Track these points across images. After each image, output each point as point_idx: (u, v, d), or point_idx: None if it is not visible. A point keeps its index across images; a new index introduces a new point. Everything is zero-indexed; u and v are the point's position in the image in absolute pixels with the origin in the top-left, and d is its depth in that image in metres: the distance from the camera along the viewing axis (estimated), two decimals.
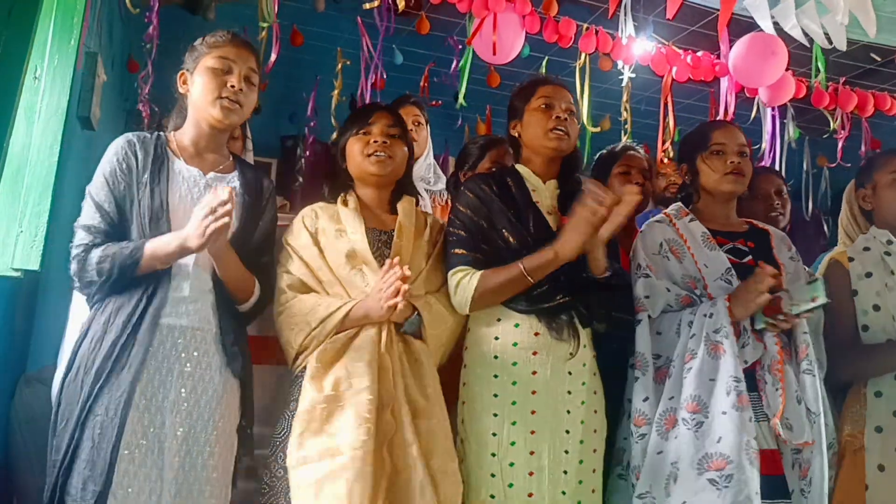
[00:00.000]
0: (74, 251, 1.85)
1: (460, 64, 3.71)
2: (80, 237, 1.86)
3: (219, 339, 1.91)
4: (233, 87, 1.95)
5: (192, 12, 4.41)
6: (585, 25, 3.70)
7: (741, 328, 2.08)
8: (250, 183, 2.04)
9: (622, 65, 3.82)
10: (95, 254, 1.82)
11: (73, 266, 1.85)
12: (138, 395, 1.78)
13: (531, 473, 1.98)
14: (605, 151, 2.89)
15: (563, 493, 2.00)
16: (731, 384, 1.97)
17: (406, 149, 2.18)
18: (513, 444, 2.00)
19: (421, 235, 2.16)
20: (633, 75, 3.87)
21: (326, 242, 2.07)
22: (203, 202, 1.78)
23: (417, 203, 2.26)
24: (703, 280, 2.16)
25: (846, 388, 2.33)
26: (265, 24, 3.36)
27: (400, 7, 3.36)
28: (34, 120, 2.20)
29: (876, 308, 2.27)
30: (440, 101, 4.26)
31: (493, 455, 1.99)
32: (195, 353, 1.87)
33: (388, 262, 1.96)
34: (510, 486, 1.97)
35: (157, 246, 1.81)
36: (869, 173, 2.46)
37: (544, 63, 4.04)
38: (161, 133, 2.02)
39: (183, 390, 1.84)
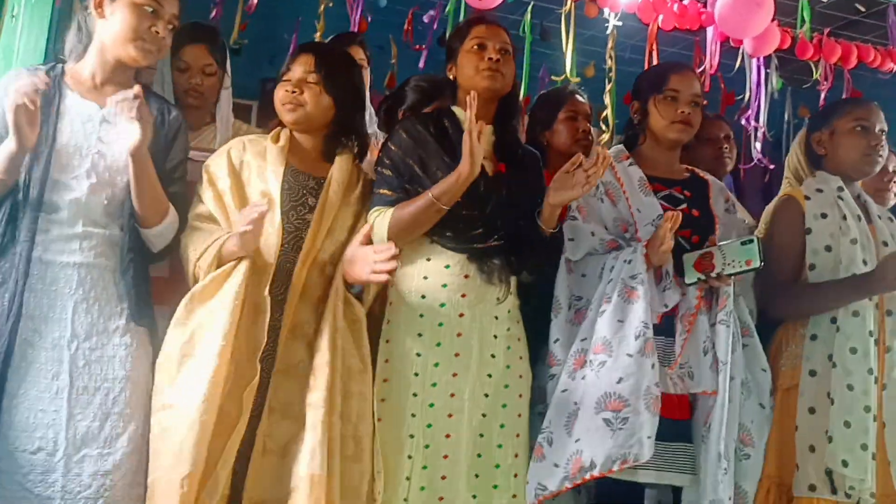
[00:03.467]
0: None
1: (447, 8, 3.64)
2: None
3: (119, 277, 1.87)
4: (157, 32, 1.89)
5: None
6: None
7: (663, 272, 2.12)
8: (154, 116, 1.96)
9: (608, 12, 3.77)
10: None
11: None
12: (26, 330, 1.77)
13: (450, 415, 2.01)
14: (547, 93, 2.87)
15: (481, 435, 2.04)
16: (641, 329, 2.00)
17: (328, 96, 2.07)
18: (434, 385, 2.02)
19: (352, 191, 2.11)
20: (620, 23, 3.83)
21: (249, 178, 2.03)
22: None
23: (362, 153, 2.19)
24: (635, 224, 2.19)
25: (778, 324, 2.37)
26: None
27: None
28: (12, 60, 2.18)
29: (828, 249, 2.30)
30: (424, 46, 4.20)
31: (415, 395, 2.01)
32: (92, 292, 1.84)
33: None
34: (428, 426, 2.00)
35: None
36: (828, 118, 2.45)
37: (529, 8, 3.98)
38: (57, 65, 1.94)
39: (80, 328, 1.81)
